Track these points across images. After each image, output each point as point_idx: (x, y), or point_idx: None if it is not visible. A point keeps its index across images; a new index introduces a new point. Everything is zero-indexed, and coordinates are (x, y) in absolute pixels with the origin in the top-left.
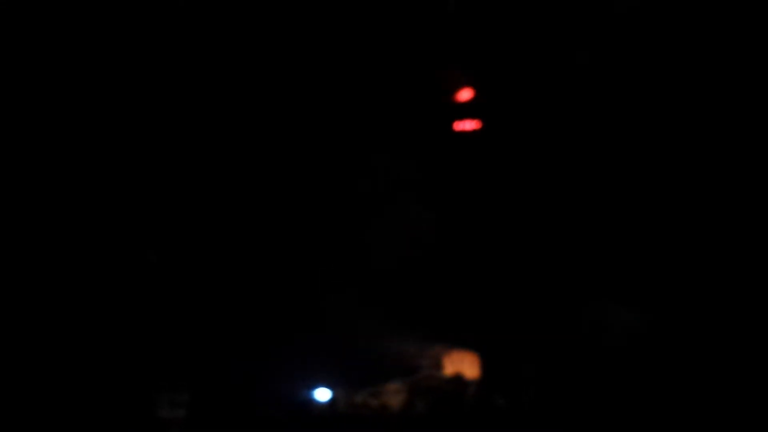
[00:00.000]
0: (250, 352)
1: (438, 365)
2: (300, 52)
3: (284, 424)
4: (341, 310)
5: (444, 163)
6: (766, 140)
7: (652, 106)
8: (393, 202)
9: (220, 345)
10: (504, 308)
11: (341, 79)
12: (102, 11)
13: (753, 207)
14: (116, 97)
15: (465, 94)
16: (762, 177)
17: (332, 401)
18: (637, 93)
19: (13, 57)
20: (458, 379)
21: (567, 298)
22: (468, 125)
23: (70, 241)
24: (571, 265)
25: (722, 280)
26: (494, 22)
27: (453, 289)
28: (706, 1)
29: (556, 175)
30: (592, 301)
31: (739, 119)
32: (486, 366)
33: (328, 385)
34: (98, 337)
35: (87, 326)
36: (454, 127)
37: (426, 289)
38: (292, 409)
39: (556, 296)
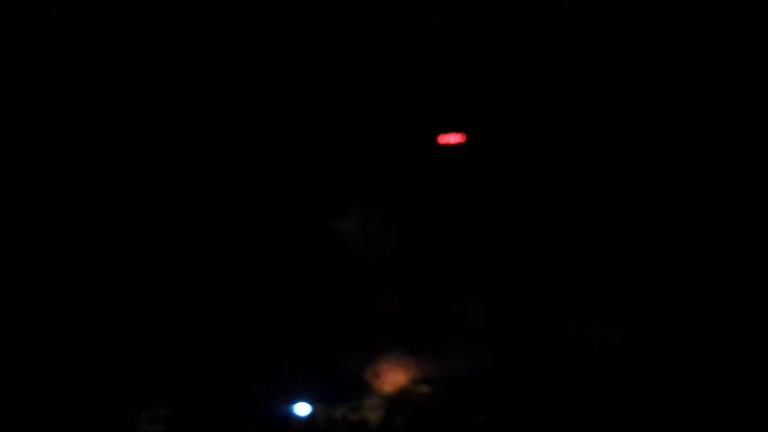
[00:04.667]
0: (230, 366)
1: (418, 379)
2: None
3: None
4: (322, 324)
5: (428, 176)
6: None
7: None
8: (372, 213)
9: (198, 359)
10: (484, 323)
11: (325, 90)
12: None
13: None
14: (117, 95)
15: (451, 108)
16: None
17: (311, 416)
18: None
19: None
20: (438, 394)
21: (547, 316)
22: (453, 138)
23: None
24: (551, 282)
25: (705, 296)
26: (481, 35)
27: (435, 303)
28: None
29: (538, 189)
30: (572, 319)
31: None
32: (466, 381)
33: (307, 400)
34: (80, 349)
35: (70, 336)
36: (438, 141)
37: (407, 303)
38: (271, 424)
39: (537, 313)
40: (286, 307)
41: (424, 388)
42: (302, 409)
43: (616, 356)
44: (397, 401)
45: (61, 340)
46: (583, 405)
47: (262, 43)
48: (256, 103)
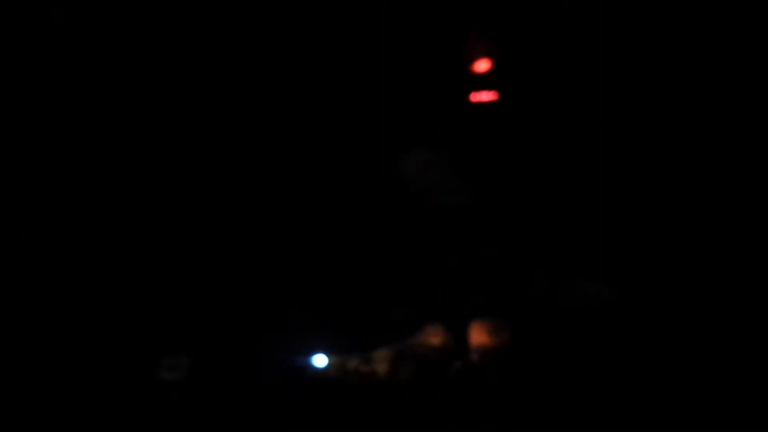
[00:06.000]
0: (251, 317)
1: (429, 334)
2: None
3: (280, 387)
4: (343, 280)
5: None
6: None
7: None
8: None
9: (220, 310)
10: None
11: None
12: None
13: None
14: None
15: (482, 65)
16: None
17: (327, 367)
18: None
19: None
20: (446, 349)
21: (542, 274)
22: (485, 96)
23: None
24: (548, 241)
25: (698, 255)
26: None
27: (446, 263)
28: None
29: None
30: (565, 276)
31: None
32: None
33: (325, 352)
34: (104, 301)
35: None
36: (470, 99)
37: (420, 263)
38: (288, 373)
39: (532, 271)
40: (310, 264)
41: (433, 342)
42: (320, 360)
43: (610, 312)
44: (403, 353)
45: (83, 291)
46: (578, 363)
47: (262, 43)
48: (267, 102)
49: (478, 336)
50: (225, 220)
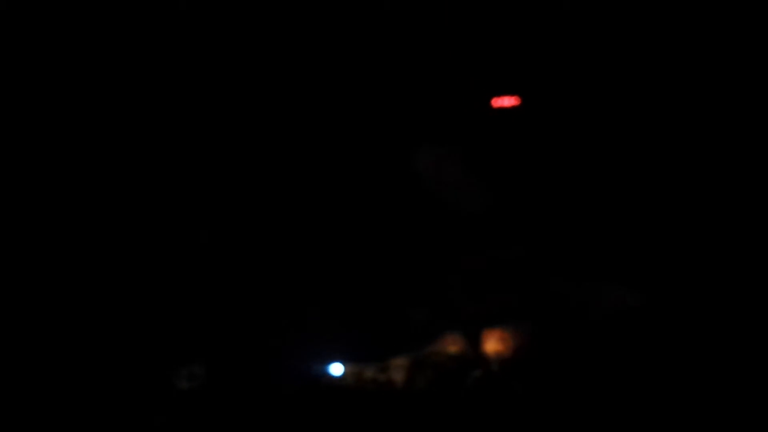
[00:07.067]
0: (267, 327)
1: (448, 343)
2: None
3: (297, 396)
4: (358, 285)
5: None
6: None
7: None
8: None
9: (237, 320)
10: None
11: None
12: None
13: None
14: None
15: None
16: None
17: (344, 375)
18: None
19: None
20: (464, 357)
21: (558, 278)
22: (507, 102)
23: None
24: (565, 244)
25: (716, 260)
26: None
27: (464, 269)
28: None
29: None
30: (583, 280)
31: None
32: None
33: (341, 360)
34: (121, 309)
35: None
36: (492, 104)
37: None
38: (305, 383)
39: (548, 276)
40: (328, 273)
41: (451, 350)
42: (336, 369)
43: (627, 316)
44: (421, 362)
45: (101, 297)
46: (594, 367)
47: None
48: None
49: (497, 344)
50: (241, 229)
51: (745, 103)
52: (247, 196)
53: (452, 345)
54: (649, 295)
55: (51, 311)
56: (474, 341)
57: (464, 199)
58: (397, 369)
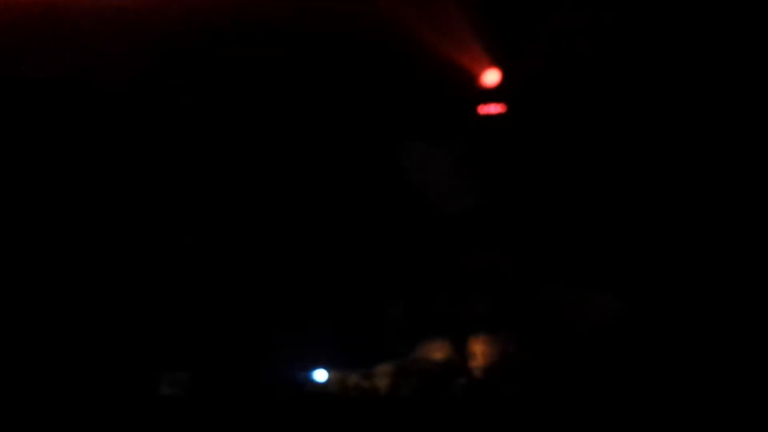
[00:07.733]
0: (251, 334)
1: (433, 349)
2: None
3: (281, 403)
4: (344, 296)
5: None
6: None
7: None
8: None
9: (220, 327)
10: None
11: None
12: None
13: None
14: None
15: (491, 78)
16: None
17: (328, 382)
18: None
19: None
20: (450, 364)
21: (547, 285)
22: (493, 109)
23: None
24: (553, 253)
25: (701, 267)
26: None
27: (450, 278)
28: None
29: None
30: (571, 287)
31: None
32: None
33: (325, 367)
34: (105, 317)
35: (97, 306)
36: (478, 111)
37: (422, 278)
38: (289, 389)
39: (538, 284)
40: (311, 281)
41: (434, 358)
42: (320, 375)
43: (615, 323)
44: (405, 369)
45: (88, 302)
46: (582, 373)
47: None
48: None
49: (482, 351)
50: (224, 234)
51: (743, 108)
52: (230, 200)
53: (437, 352)
54: (635, 303)
55: (35, 317)
56: (460, 348)
57: (452, 199)
58: (382, 376)
